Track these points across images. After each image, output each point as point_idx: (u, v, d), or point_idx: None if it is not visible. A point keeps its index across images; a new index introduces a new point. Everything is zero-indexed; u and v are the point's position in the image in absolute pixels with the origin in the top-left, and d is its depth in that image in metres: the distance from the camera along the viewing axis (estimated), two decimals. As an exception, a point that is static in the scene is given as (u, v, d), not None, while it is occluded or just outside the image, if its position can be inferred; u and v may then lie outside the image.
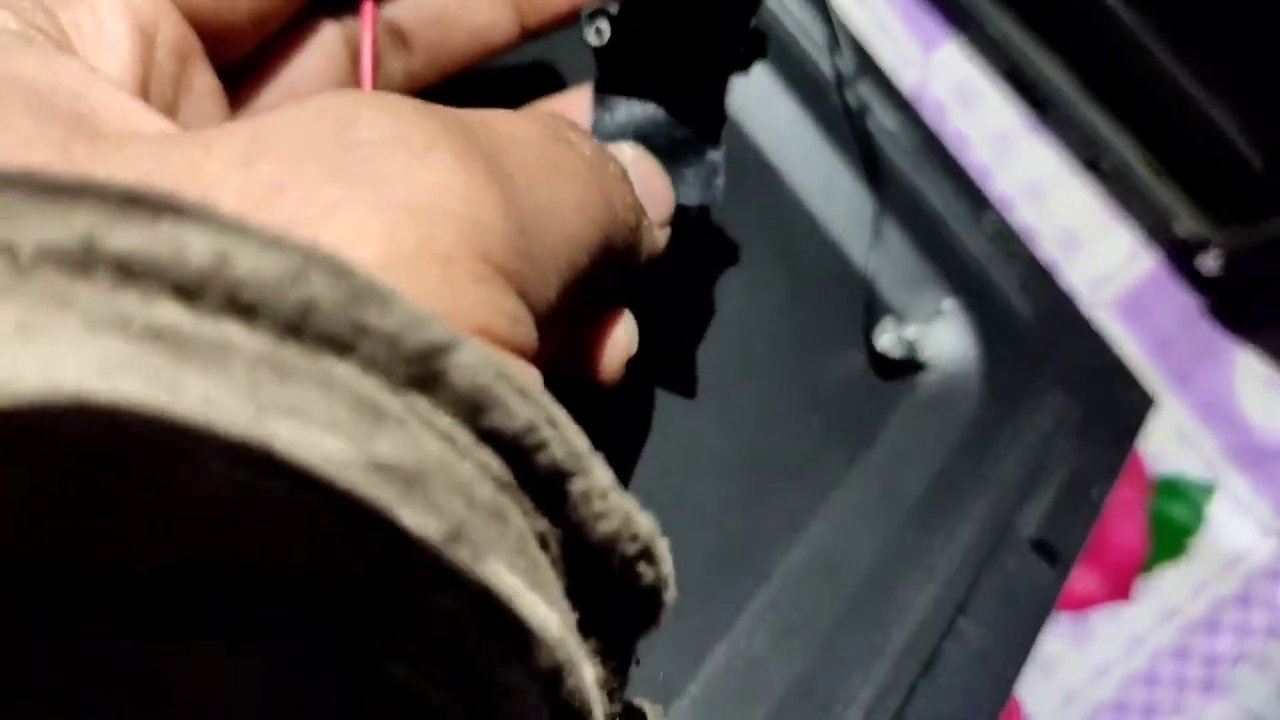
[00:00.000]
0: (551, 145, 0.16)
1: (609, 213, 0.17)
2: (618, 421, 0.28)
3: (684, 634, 0.26)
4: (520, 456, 0.11)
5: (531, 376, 0.14)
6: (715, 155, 0.24)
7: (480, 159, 0.13)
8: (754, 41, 0.24)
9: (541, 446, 0.11)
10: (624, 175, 0.18)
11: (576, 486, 0.12)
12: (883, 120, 0.33)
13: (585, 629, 0.12)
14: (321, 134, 0.12)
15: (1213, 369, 0.37)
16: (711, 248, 0.30)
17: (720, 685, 0.26)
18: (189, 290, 0.10)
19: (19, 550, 0.09)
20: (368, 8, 0.20)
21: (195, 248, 0.10)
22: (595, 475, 0.12)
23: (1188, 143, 0.34)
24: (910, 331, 0.32)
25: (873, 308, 0.32)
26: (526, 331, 0.13)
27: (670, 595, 0.13)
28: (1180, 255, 0.36)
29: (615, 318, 0.20)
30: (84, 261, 0.10)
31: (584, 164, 0.16)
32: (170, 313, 0.10)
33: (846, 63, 0.33)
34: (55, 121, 0.13)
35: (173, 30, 0.17)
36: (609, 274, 0.18)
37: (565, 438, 0.12)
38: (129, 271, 0.10)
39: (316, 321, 0.10)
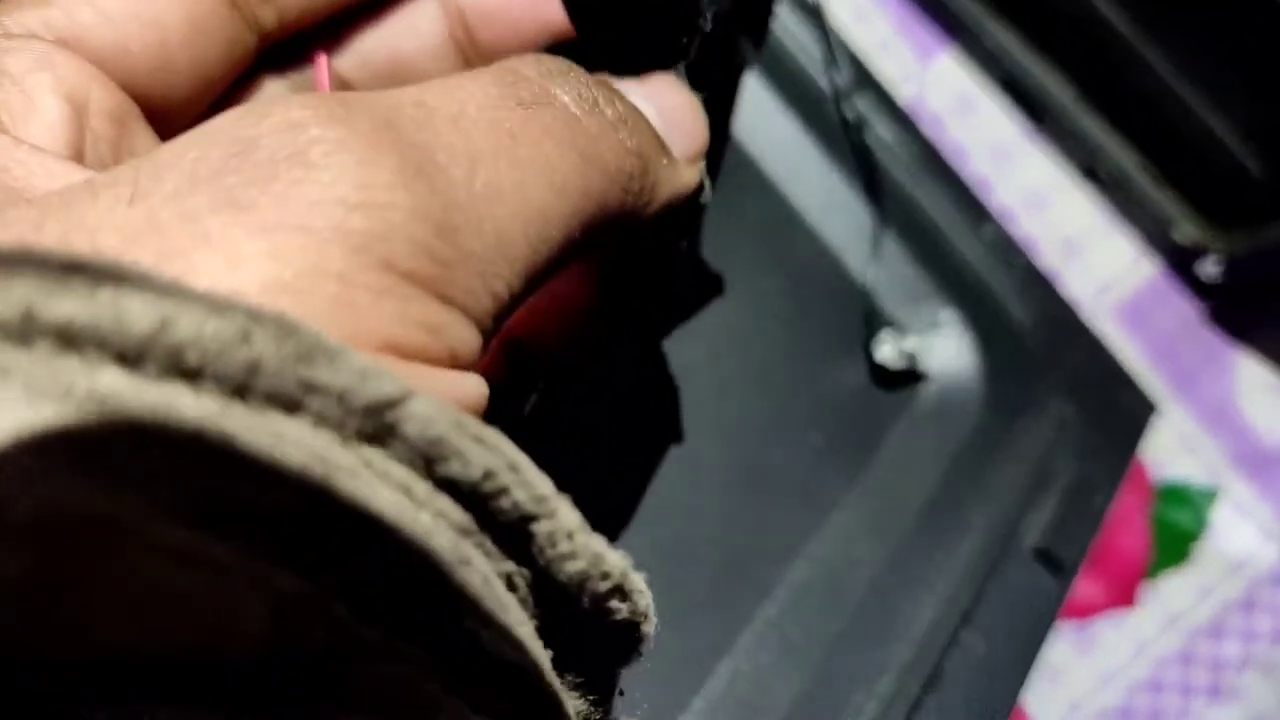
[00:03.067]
0: (509, 111, 0.15)
1: (592, 172, 0.16)
2: (619, 439, 0.28)
3: (687, 651, 0.26)
4: (480, 502, 0.11)
5: (468, 386, 0.13)
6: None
7: (392, 158, 0.13)
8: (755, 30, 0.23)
9: (502, 492, 0.11)
10: (621, 120, 0.17)
11: (542, 529, 0.12)
12: (881, 133, 0.33)
13: (561, 665, 0.12)
14: (214, 160, 0.12)
15: (1214, 375, 0.37)
16: (709, 263, 0.31)
17: (724, 702, 0.26)
18: (131, 356, 0.10)
19: None
20: (321, 60, 0.20)
21: (135, 314, 0.10)
22: (560, 517, 0.12)
23: (1186, 150, 0.34)
24: (910, 343, 0.32)
25: (872, 320, 0.32)
26: (456, 335, 0.13)
27: (650, 627, 0.13)
28: (1180, 262, 0.36)
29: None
30: (23, 331, 0.10)
31: (558, 121, 0.15)
32: (113, 379, 0.10)
33: (844, 77, 0.33)
34: None
35: (106, 98, 0.17)
36: (616, 228, 0.17)
37: (527, 481, 0.12)
38: (69, 340, 0.10)
39: (263, 381, 0.10)
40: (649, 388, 0.29)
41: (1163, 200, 0.35)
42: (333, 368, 0.10)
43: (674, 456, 0.28)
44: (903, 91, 0.36)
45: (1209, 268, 0.35)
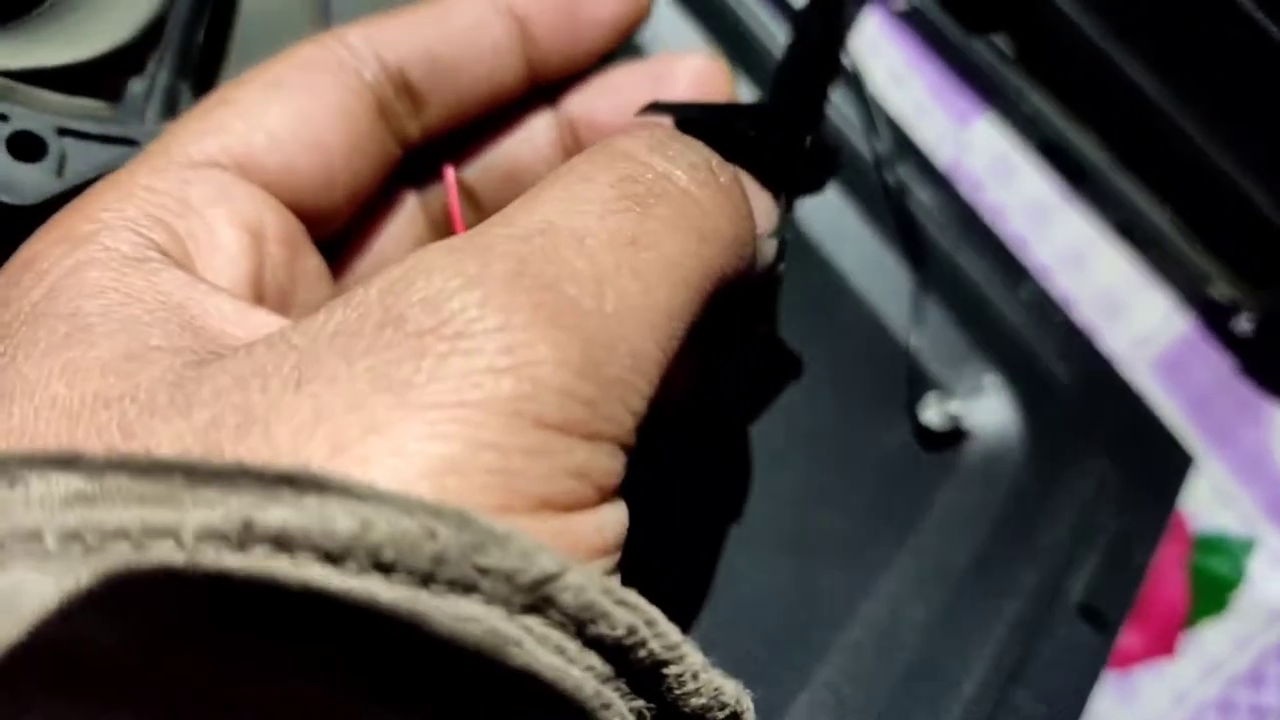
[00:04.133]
0: (628, 214, 0.15)
1: (711, 250, 0.16)
2: (670, 505, 0.29)
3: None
4: (622, 654, 0.13)
5: (609, 522, 0.14)
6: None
7: (529, 310, 0.13)
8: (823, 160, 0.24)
9: (641, 645, 0.13)
10: (734, 182, 0.17)
11: (672, 671, 0.13)
12: (920, 197, 0.34)
13: None
14: (367, 337, 0.13)
15: (1249, 427, 0.37)
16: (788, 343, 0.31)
17: (784, 763, 0.27)
18: (335, 555, 0.11)
19: None
20: (450, 176, 0.21)
21: (340, 520, 0.11)
22: (688, 661, 0.13)
23: (1218, 210, 0.35)
24: (954, 405, 0.33)
25: (916, 382, 0.33)
26: (603, 467, 0.14)
27: None
28: (1215, 317, 0.37)
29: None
30: (243, 539, 0.11)
31: (675, 208, 0.16)
32: (320, 574, 0.11)
33: (884, 144, 0.34)
34: (146, 335, 0.14)
35: (279, 223, 0.18)
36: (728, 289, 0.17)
37: (661, 633, 0.13)
38: (283, 544, 0.11)
39: (445, 570, 0.12)
40: (704, 458, 0.30)
41: (1197, 258, 0.36)
42: (503, 553, 0.12)
43: (726, 524, 0.29)
44: (940, 154, 0.37)
45: (1243, 324, 0.36)
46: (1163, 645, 0.37)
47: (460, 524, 0.12)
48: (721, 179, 0.17)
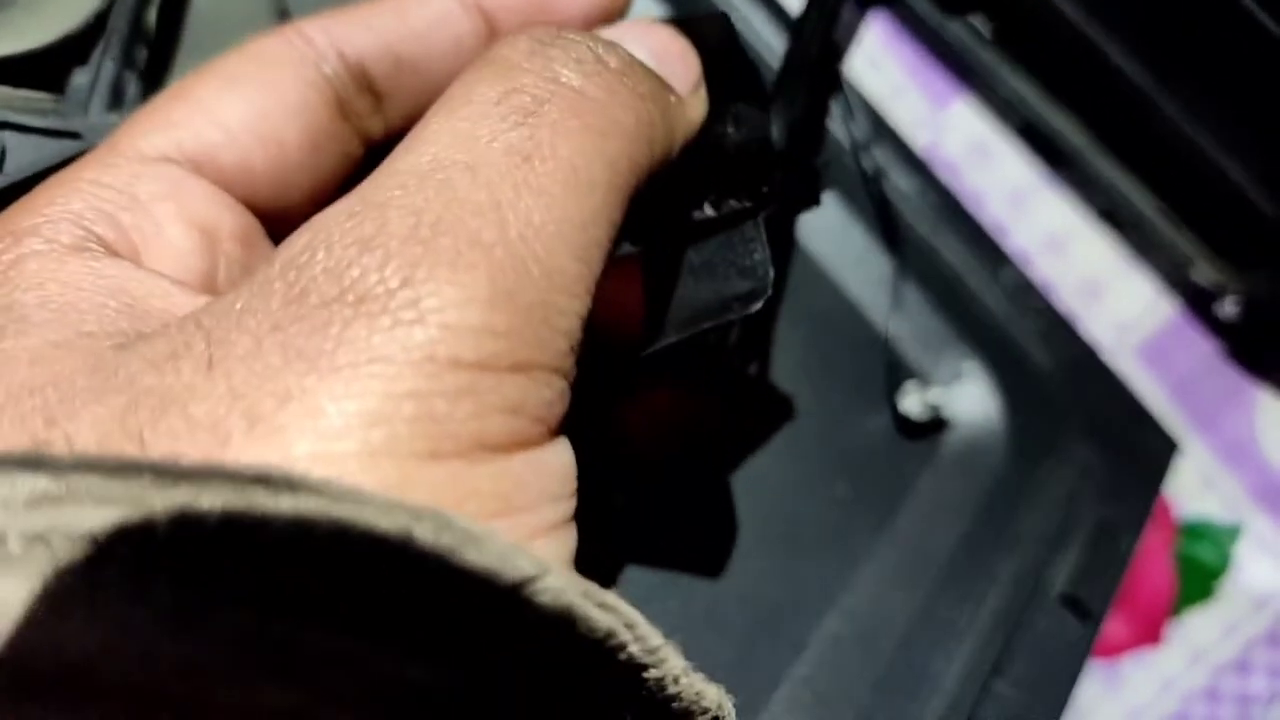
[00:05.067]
0: (517, 130, 0.15)
1: (615, 144, 0.15)
2: (647, 496, 0.29)
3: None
4: (602, 656, 0.13)
5: (555, 464, 0.14)
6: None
7: (430, 260, 0.13)
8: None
9: (621, 648, 0.13)
10: (628, 67, 0.17)
11: (652, 675, 0.13)
12: (898, 182, 0.34)
13: None
14: (273, 314, 0.13)
15: (1234, 412, 0.37)
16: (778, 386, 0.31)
17: (761, 759, 0.27)
18: None
19: None
20: None
21: (316, 519, 0.11)
22: (668, 665, 0.13)
23: (1201, 193, 0.35)
24: (933, 393, 0.32)
25: (895, 371, 0.32)
26: (539, 398, 0.14)
27: None
28: (1199, 302, 0.37)
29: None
30: None
31: (568, 110, 0.15)
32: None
33: (860, 127, 0.33)
34: (81, 322, 0.14)
35: (234, 221, 0.18)
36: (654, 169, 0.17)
37: (641, 636, 0.13)
38: None
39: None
40: (676, 448, 0.29)
41: (1180, 242, 0.36)
42: (480, 553, 0.12)
43: (704, 516, 0.29)
44: (918, 138, 0.36)
45: (1227, 308, 0.35)
46: (1149, 634, 0.37)
47: (439, 525, 0.11)
48: (612, 64, 0.16)
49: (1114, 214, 0.37)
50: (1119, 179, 0.36)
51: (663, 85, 0.18)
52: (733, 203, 0.21)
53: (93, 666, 0.10)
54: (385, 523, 0.11)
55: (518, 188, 0.14)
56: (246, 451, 0.12)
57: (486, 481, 0.13)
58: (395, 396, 0.12)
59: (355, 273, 0.13)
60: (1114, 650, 0.37)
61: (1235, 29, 0.31)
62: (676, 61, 0.19)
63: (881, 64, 0.37)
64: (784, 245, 0.29)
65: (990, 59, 0.35)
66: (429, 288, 0.13)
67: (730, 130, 0.21)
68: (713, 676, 0.27)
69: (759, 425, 0.31)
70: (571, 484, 0.15)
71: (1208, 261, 0.36)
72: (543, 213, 0.14)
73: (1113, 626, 0.36)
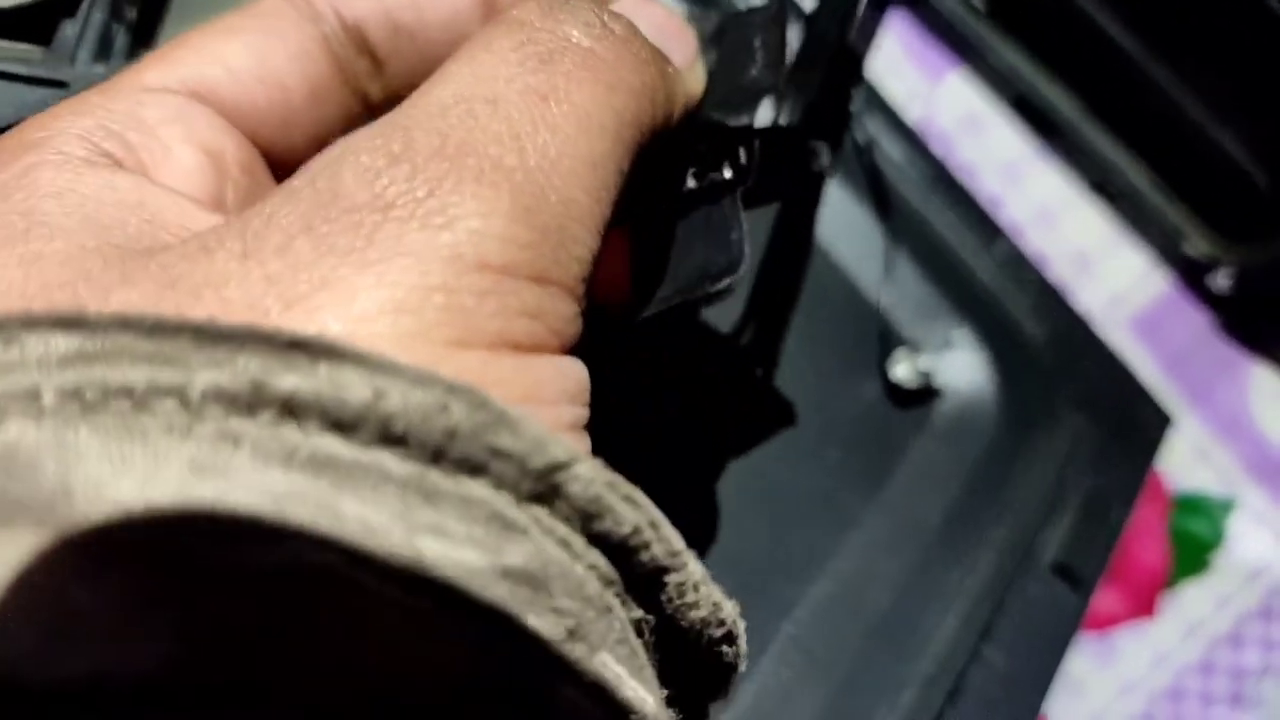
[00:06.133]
0: (534, 74, 0.16)
1: (621, 98, 0.16)
2: (638, 460, 0.29)
3: (712, 670, 0.27)
4: (625, 556, 0.13)
5: (574, 371, 0.15)
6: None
7: (455, 174, 0.14)
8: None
9: (644, 547, 0.13)
10: (631, 34, 0.18)
11: (673, 580, 0.13)
12: (890, 153, 0.34)
13: (672, 701, 0.14)
14: (305, 215, 0.13)
15: (1228, 385, 0.37)
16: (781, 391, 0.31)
17: (749, 718, 0.27)
18: (346, 424, 0.11)
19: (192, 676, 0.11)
20: None
21: (353, 388, 0.11)
22: (690, 569, 0.13)
23: (1194, 165, 0.35)
24: (924, 361, 0.32)
25: (887, 339, 0.32)
26: (556, 312, 0.14)
27: (743, 667, 0.15)
28: (1192, 274, 0.37)
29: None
30: (251, 402, 0.11)
31: (578, 62, 0.16)
32: (330, 443, 0.11)
33: (854, 100, 0.34)
34: (106, 233, 0.14)
35: (238, 150, 0.18)
36: (654, 140, 0.18)
37: (664, 537, 0.13)
38: (292, 410, 0.11)
39: (457, 447, 0.11)
40: (670, 415, 0.29)
41: (1173, 214, 0.36)
42: (514, 436, 0.12)
43: (696, 479, 0.29)
44: (911, 111, 0.36)
45: (1220, 280, 0.35)
46: (1143, 606, 0.37)
47: (474, 403, 0.12)
48: (617, 30, 0.17)
49: (1107, 186, 0.37)
50: (1112, 151, 0.36)
51: (660, 55, 0.19)
52: (714, 176, 0.22)
53: (127, 517, 0.10)
54: (420, 394, 0.11)
55: (535, 123, 0.15)
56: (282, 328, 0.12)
57: (510, 373, 0.13)
58: (425, 288, 0.13)
59: (384, 181, 0.14)
60: (1107, 623, 0.37)
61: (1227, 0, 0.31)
62: (673, 38, 0.20)
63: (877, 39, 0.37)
64: (798, 232, 0.29)
65: (984, 31, 0.35)
66: (455, 198, 0.14)
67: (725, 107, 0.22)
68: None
69: (750, 391, 0.31)
70: (586, 394, 0.15)
71: (1201, 234, 0.35)
72: (558, 147, 0.15)
73: (1106, 599, 0.36)
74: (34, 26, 0.22)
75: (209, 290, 0.13)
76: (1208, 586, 0.37)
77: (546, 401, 0.14)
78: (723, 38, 0.22)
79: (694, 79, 0.20)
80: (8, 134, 0.16)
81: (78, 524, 0.10)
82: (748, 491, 0.30)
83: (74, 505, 0.10)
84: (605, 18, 0.17)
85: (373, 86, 0.20)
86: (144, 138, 0.17)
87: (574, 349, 0.15)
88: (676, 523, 0.28)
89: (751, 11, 0.22)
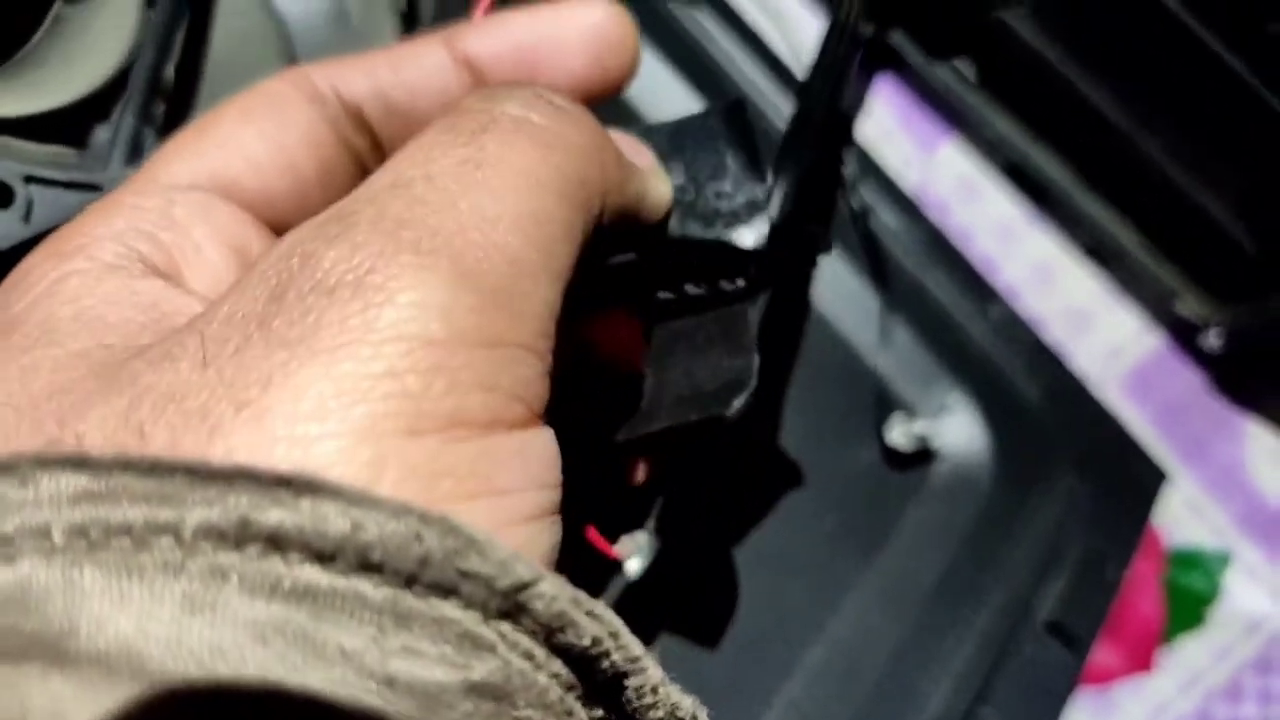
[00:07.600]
0: (465, 145, 0.16)
1: (559, 156, 0.17)
2: (636, 525, 0.30)
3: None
4: (587, 664, 0.14)
5: (537, 448, 0.15)
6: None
7: (394, 251, 0.14)
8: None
9: (605, 655, 0.14)
10: (569, 105, 0.18)
11: (633, 684, 0.14)
12: (886, 220, 0.35)
13: None
14: (259, 310, 0.14)
15: (1221, 441, 0.38)
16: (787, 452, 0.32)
17: (750, 783, 0.28)
18: (326, 554, 0.12)
19: None
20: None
21: (332, 520, 0.12)
22: (648, 674, 0.14)
23: (1183, 228, 0.36)
24: (920, 425, 0.33)
25: (883, 403, 0.33)
26: (514, 376, 0.15)
27: None
28: (1184, 333, 0.38)
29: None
30: (239, 537, 0.12)
31: (510, 129, 0.17)
32: (311, 573, 0.12)
33: (850, 168, 0.35)
34: (106, 333, 0.15)
35: (261, 243, 0.19)
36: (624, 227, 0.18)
37: (624, 645, 0.14)
38: (276, 542, 0.12)
39: (429, 573, 0.12)
40: (669, 480, 0.30)
41: (1164, 275, 0.36)
42: (482, 559, 0.12)
43: (694, 543, 0.30)
44: (907, 178, 0.38)
45: (1212, 339, 0.36)
46: (1140, 661, 0.37)
47: (445, 530, 0.12)
48: (556, 101, 0.18)
49: (1099, 249, 0.38)
50: (1103, 215, 0.37)
51: (610, 141, 0.19)
52: (724, 284, 0.23)
53: (126, 647, 0.11)
54: (395, 524, 0.12)
55: (468, 188, 0.15)
56: (234, 434, 0.13)
57: (465, 461, 0.14)
58: (370, 375, 0.13)
59: (326, 265, 0.14)
60: (1106, 678, 0.37)
61: (1210, 73, 0.32)
62: (625, 145, 0.21)
63: (870, 108, 0.38)
64: (796, 304, 0.31)
65: (975, 101, 0.36)
66: (393, 270, 0.14)
67: (722, 213, 0.22)
68: (703, 700, 0.28)
69: (749, 457, 0.31)
70: (556, 474, 0.15)
71: (1192, 295, 0.36)
72: (495, 207, 0.15)
73: (1104, 654, 0.37)
74: (68, 130, 0.23)
75: (172, 404, 0.13)
76: (1204, 640, 0.37)
77: (505, 490, 0.14)
78: (684, 149, 0.23)
79: (658, 179, 0.21)
80: (44, 244, 0.17)
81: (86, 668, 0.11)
82: (747, 554, 0.30)
83: (80, 642, 0.11)
84: (545, 93, 0.18)
85: (371, 162, 0.21)
86: (176, 237, 0.18)
87: (543, 410, 0.15)
88: (677, 586, 0.29)
89: (705, 115, 0.23)
